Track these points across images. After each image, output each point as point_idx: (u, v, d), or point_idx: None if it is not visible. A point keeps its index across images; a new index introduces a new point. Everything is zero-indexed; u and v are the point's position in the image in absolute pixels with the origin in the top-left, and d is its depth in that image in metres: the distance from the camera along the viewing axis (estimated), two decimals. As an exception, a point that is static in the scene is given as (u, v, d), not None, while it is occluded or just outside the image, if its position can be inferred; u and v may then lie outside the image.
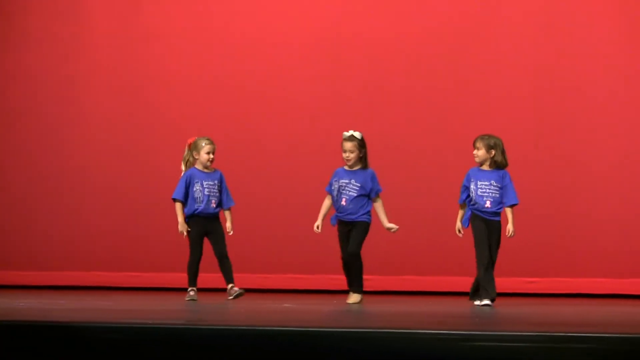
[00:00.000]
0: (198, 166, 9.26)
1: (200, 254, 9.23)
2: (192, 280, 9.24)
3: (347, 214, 8.97)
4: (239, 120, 11.35)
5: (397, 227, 9.05)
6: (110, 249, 11.61)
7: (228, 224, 9.27)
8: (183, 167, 9.33)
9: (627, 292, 10.58)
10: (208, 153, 9.20)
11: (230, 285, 9.18)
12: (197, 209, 9.17)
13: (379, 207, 9.05)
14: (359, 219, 8.96)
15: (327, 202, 9.11)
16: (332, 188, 9.07)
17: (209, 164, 9.23)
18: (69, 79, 11.83)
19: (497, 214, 8.82)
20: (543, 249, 10.88)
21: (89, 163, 11.76)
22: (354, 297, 9.00)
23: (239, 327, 6.05)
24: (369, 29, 11.34)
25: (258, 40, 11.52)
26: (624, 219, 10.87)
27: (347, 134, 8.97)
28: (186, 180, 9.21)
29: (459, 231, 8.88)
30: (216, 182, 9.24)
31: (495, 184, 8.81)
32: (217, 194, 9.24)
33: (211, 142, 9.22)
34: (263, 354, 5.70)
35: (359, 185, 8.95)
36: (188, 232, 9.22)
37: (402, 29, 11.30)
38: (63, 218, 11.77)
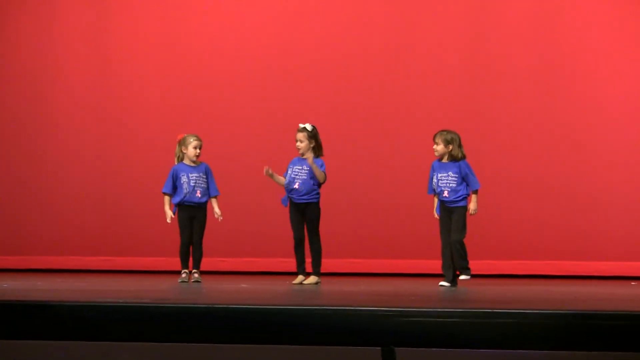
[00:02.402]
0: (185, 160, 9.74)
1: (190, 237, 9.65)
2: (184, 263, 9.72)
3: (301, 196, 9.44)
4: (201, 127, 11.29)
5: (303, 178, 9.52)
6: (84, 236, 11.92)
7: (216, 210, 9.71)
8: (176, 162, 9.82)
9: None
10: (195, 148, 9.67)
11: (194, 271, 9.70)
12: (183, 198, 9.64)
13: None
14: (311, 200, 9.46)
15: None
16: (289, 175, 9.48)
17: (195, 158, 9.71)
18: (42, 84, 12.20)
19: (456, 201, 9.21)
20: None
21: (64, 157, 12.12)
22: (312, 279, 9.46)
23: (201, 306, 6.44)
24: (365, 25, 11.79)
25: (218, 55, 11.95)
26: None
27: (301, 125, 9.49)
28: (172, 175, 9.70)
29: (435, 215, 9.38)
30: (201, 174, 9.71)
31: (452, 175, 9.20)
32: (203, 185, 9.70)
33: (198, 139, 9.72)
34: (223, 330, 6.14)
35: (308, 169, 9.45)
36: (179, 218, 9.68)
37: (385, 25, 11.71)
38: (44, 209, 12.11)
